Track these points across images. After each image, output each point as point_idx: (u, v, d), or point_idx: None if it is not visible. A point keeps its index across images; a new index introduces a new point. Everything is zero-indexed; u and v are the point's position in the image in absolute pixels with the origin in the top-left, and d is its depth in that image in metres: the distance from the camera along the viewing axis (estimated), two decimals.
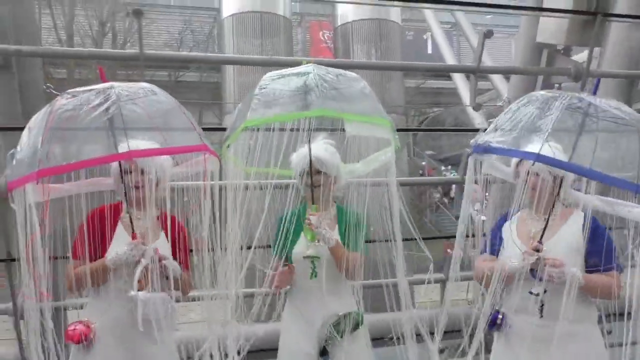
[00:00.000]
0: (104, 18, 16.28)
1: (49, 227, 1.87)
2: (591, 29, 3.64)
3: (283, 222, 2.40)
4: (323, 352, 2.43)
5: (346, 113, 2.04)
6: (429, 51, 20.88)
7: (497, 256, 2.38)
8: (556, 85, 4.16)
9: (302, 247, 2.45)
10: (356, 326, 2.44)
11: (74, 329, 2.10)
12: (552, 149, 2.01)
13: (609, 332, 2.29)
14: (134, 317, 2.02)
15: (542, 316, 2.21)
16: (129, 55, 3.55)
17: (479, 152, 2.26)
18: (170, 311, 2.09)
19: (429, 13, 8.76)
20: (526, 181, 2.28)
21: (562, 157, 2.04)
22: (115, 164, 2.16)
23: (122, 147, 1.85)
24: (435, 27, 8.97)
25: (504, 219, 2.45)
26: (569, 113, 2.06)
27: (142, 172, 2.14)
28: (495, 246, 2.40)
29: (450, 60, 8.37)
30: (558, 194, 2.27)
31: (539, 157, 1.97)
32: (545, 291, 2.18)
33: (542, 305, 2.20)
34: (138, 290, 2.01)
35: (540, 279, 2.14)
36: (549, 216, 2.23)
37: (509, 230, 2.38)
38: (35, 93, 3.59)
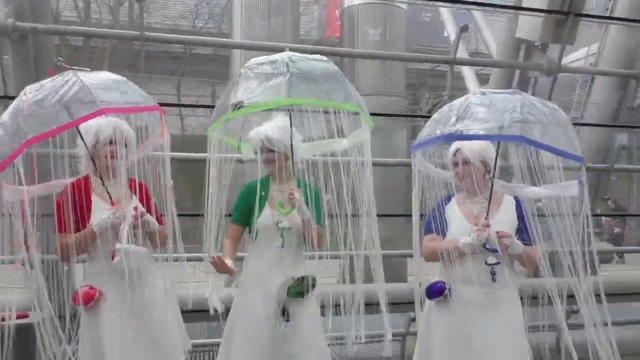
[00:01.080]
0: None
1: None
2: (564, 28, 3.89)
3: (248, 191, 2.66)
4: (283, 312, 2.56)
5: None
6: (446, 34, 20.73)
7: (441, 235, 2.66)
8: (532, 78, 4.41)
9: (267, 218, 2.64)
10: (312, 287, 2.62)
11: (83, 292, 2.32)
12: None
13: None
14: (123, 271, 2.25)
15: (494, 282, 2.53)
16: (131, 36, 3.87)
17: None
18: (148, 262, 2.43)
19: None
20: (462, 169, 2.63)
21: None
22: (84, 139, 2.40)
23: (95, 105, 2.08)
24: (444, 11, 9.10)
25: (443, 202, 2.72)
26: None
27: (125, 144, 2.45)
28: (440, 226, 2.66)
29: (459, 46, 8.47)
30: (493, 176, 2.59)
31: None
32: (498, 262, 2.52)
33: (494, 274, 2.54)
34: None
35: (495, 251, 2.49)
36: (490, 197, 2.56)
37: (453, 212, 2.69)
38: (49, 64, 3.88)
